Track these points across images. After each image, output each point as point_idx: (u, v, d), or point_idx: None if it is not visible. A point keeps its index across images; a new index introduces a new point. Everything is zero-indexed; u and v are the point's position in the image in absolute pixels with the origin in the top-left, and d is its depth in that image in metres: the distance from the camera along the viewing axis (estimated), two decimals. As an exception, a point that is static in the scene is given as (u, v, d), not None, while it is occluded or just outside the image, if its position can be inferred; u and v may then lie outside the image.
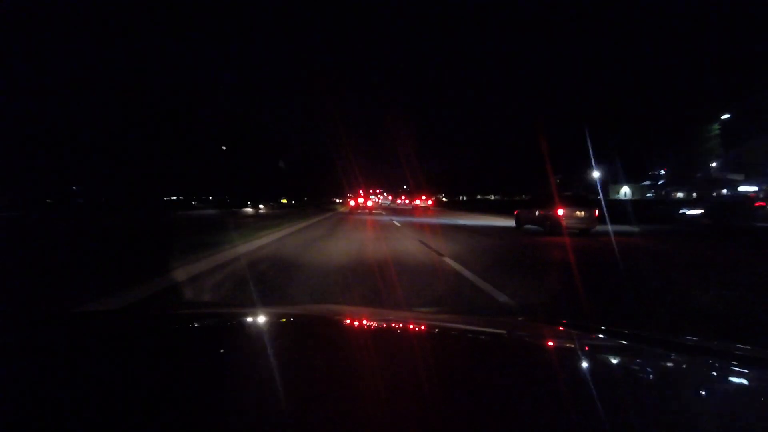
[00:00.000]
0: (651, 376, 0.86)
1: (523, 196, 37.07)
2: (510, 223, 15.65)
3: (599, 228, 11.98)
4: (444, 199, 71.31)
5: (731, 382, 0.85)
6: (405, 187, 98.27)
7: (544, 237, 10.90)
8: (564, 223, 11.21)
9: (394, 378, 0.74)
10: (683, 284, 5.01)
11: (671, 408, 0.66)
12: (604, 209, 12.25)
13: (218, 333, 1.13)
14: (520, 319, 1.90)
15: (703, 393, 0.78)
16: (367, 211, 30.04)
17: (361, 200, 33.67)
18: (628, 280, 5.05)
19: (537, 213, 12.61)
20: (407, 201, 77.02)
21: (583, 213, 11.48)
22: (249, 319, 1.29)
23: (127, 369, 0.79)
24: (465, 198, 66.10)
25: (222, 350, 0.96)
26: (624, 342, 1.13)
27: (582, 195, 15.25)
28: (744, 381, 0.85)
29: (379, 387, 0.68)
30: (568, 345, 1.11)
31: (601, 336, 1.17)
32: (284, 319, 1.32)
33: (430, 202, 47.24)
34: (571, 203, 11.67)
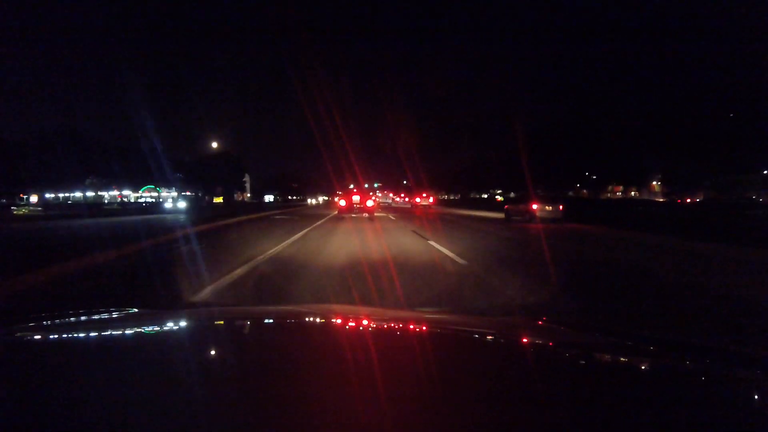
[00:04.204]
0: (650, 376, 0.89)
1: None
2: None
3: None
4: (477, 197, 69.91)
5: (726, 381, 0.84)
6: (405, 182, 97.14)
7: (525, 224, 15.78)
8: (538, 215, 16.14)
9: (395, 378, 0.75)
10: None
11: (666, 407, 0.67)
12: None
13: (218, 332, 1.17)
14: (522, 318, 2.00)
15: (697, 392, 0.78)
16: (366, 214, 20.84)
17: (356, 198, 23.61)
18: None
19: (519, 207, 17.65)
20: (406, 199, 76.30)
21: (551, 207, 16.45)
22: (249, 319, 1.35)
23: (126, 369, 0.81)
24: (475, 196, 66.57)
25: (222, 349, 1.00)
26: (623, 342, 1.16)
27: (552, 195, 20.13)
28: (736, 380, 0.84)
29: (378, 387, 0.70)
30: (568, 345, 1.13)
31: (599, 336, 1.23)
32: (285, 319, 1.36)
33: (431, 200, 45.26)
34: (543, 201, 16.65)
